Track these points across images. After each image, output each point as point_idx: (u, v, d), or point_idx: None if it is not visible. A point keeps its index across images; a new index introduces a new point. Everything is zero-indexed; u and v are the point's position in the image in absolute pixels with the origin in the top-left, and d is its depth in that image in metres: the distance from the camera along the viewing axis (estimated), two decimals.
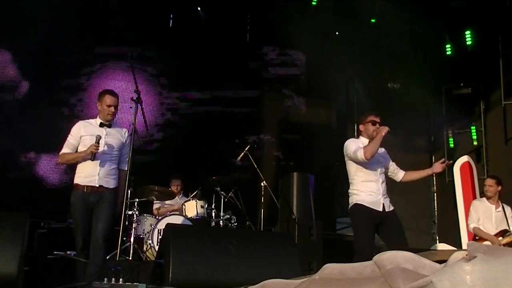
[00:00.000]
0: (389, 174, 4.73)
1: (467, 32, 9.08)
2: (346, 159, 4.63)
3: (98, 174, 4.29)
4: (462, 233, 7.49)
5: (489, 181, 5.93)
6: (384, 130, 4.40)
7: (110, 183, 4.38)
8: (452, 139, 9.51)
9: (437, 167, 4.66)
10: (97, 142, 4.26)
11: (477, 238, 5.84)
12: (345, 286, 1.92)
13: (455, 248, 5.55)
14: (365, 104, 9.90)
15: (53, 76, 8.15)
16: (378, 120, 4.53)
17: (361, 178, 4.52)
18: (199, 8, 9.13)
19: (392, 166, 4.74)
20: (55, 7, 8.17)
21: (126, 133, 4.57)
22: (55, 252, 5.07)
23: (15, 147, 7.81)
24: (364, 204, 4.40)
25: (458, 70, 9.35)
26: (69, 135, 4.44)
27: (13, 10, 8.02)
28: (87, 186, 4.28)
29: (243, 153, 6.75)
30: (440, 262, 1.79)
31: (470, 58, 9.16)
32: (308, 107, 9.76)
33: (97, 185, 4.28)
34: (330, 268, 2.05)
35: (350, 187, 4.64)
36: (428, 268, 1.75)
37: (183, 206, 6.47)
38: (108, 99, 4.41)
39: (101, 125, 4.43)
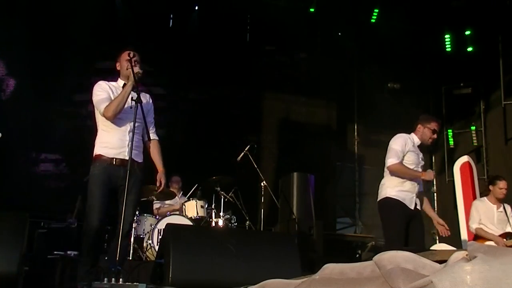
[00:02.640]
0: None
1: (467, 32, 9.08)
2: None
3: (128, 145, 3.76)
4: (462, 233, 7.49)
5: (505, 183, 5.73)
6: (429, 177, 4.41)
7: (139, 157, 3.94)
8: (452, 139, 9.51)
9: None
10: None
11: (478, 238, 5.80)
12: (345, 286, 1.91)
13: (455, 248, 5.54)
14: (365, 104, 9.91)
15: (53, 75, 8.14)
16: (438, 130, 4.55)
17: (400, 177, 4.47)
18: (196, 8, 9.14)
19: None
20: (54, 7, 8.19)
21: (150, 98, 4.17)
22: (55, 252, 5.06)
23: (16, 147, 7.81)
24: (398, 198, 4.38)
25: (458, 70, 9.36)
26: (97, 93, 3.91)
27: (12, 9, 8.02)
28: (116, 159, 3.79)
29: (243, 153, 6.74)
30: (440, 262, 1.79)
31: (470, 58, 9.16)
32: (308, 107, 9.76)
33: (127, 158, 3.70)
34: (330, 268, 2.05)
35: (384, 178, 4.55)
36: (428, 268, 1.75)
37: (183, 206, 6.47)
38: (131, 54, 3.94)
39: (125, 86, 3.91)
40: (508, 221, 5.65)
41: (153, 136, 4.12)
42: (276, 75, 9.61)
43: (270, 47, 9.67)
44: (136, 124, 3.76)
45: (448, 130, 9.60)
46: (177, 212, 6.46)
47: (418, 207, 4.50)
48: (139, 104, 3.77)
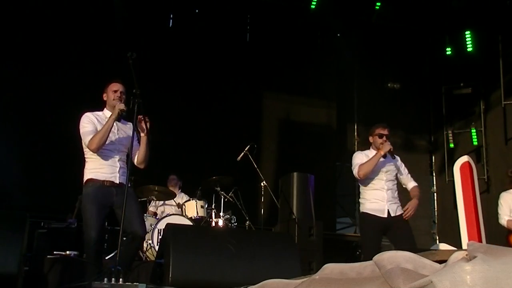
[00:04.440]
0: (402, 182, 4.94)
1: (467, 33, 9.09)
2: None
3: (118, 171, 4.07)
4: (462, 233, 7.47)
5: None
6: (385, 148, 4.59)
7: (125, 180, 4.09)
8: (452, 139, 9.51)
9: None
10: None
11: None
12: (345, 286, 1.91)
13: (455, 248, 5.52)
14: (365, 104, 9.91)
15: (53, 74, 8.15)
16: (385, 132, 4.71)
17: (367, 187, 4.74)
18: (197, 11, 9.14)
19: (404, 177, 4.91)
20: (54, 7, 8.19)
21: (131, 127, 4.29)
22: (55, 252, 5.06)
23: (16, 147, 7.81)
24: (369, 212, 4.65)
25: (458, 70, 9.36)
26: (83, 125, 4.10)
27: (13, 8, 8.03)
28: (107, 181, 4.02)
29: (243, 153, 6.74)
30: (440, 262, 1.79)
31: (470, 58, 9.17)
32: (308, 107, 9.76)
33: (118, 182, 4.04)
34: (330, 268, 2.05)
35: (360, 195, 4.86)
36: (428, 268, 1.75)
37: (183, 206, 6.47)
38: (115, 86, 4.21)
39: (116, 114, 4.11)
40: None
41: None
42: (276, 75, 9.60)
43: (270, 47, 9.65)
44: (122, 154, 4.13)
45: (448, 130, 9.61)
46: (177, 212, 6.46)
47: (396, 213, 4.64)
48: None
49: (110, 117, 4.05)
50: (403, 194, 4.97)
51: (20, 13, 8.12)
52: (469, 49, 9.14)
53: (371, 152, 4.79)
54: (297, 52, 9.66)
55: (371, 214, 4.64)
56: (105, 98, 4.28)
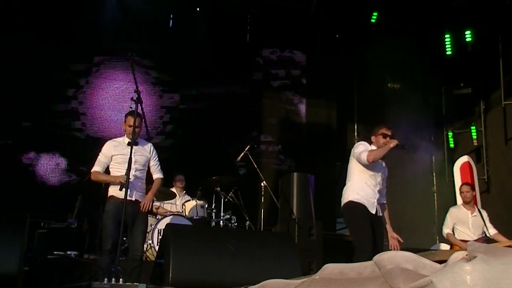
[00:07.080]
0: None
1: (467, 32, 9.08)
2: (351, 158, 4.66)
3: (136, 189, 4.65)
4: None
5: (465, 188, 6.07)
6: (393, 142, 4.45)
7: (142, 197, 4.75)
8: (452, 139, 9.51)
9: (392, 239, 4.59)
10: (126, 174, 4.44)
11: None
12: (345, 286, 1.92)
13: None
14: (365, 104, 9.90)
15: (54, 76, 8.15)
16: (389, 133, 4.60)
17: (361, 180, 4.51)
18: (198, 9, 9.14)
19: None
20: (55, 7, 8.19)
21: (151, 146, 4.93)
22: (55, 252, 5.07)
23: (15, 147, 7.81)
24: (359, 202, 4.41)
25: (458, 70, 9.35)
26: (100, 154, 4.75)
27: (11, 8, 8.02)
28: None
29: (243, 153, 6.74)
30: (440, 262, 1.79)
31: (470, 58, 9.16)
32: (308, 107, 9.76)
33: (133, 199, 4.57)
34: (330, 268, 2.05)
35: (347, 184, 4.60)
36: (428, 268, 1.75)
37: (183, 206, 6.47)
38: (130, 121, 4.61)
39: (129, 144, 4.64)
40: (485, 225, 5.80)
41: (157, 175, 4.98)
42: (276, 75, 9.60)
43: (271, 47, 9.65)
44: (142, 169, 4.77)
45: (448, 130, 9.60)
46: (177, 212, 6.46)
47: (379, 213, 4.52)
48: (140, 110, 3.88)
49: (116, 178, 4.61)
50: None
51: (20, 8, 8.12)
52: (469, 49, 9.13)
53: (373, 147, 4.60)
54: (297, 52, 9.65)
55: (361, 204, 4.40)
56: (123, 127, 4.84)
